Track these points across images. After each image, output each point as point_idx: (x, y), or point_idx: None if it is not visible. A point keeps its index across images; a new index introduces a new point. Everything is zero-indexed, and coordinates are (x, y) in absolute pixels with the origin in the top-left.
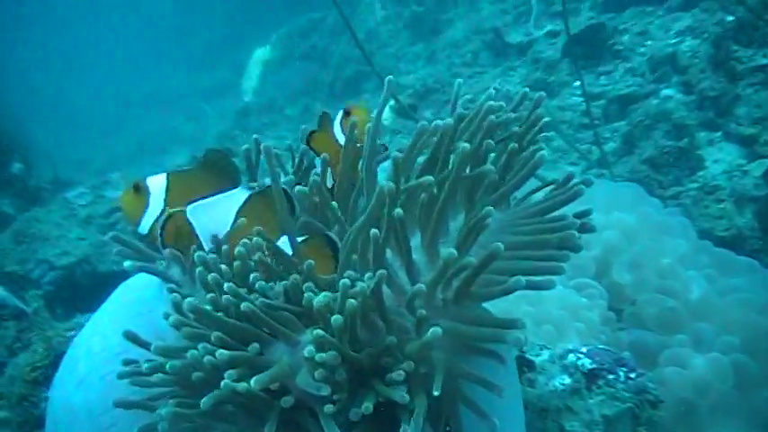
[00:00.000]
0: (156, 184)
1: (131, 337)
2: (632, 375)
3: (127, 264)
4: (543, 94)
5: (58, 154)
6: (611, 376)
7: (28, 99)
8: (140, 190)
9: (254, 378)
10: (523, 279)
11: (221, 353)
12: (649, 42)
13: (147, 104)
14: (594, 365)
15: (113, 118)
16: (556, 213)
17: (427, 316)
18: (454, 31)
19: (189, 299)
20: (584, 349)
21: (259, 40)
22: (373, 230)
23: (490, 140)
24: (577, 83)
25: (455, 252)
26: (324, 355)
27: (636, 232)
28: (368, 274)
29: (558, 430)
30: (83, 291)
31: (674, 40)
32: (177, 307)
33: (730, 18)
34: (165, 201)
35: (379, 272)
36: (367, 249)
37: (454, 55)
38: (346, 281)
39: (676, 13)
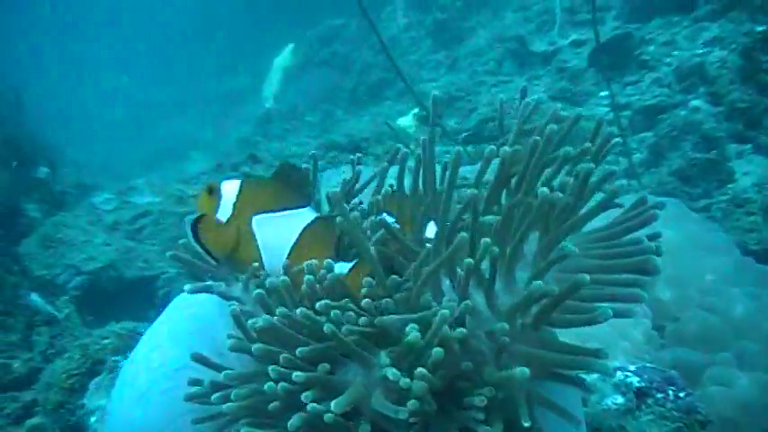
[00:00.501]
0: (230, 189)
1: (199, 359)
2: (681, 394)
3: (187, 287)
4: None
5: (81, 158)
6: (659, 395)
7: (52, 104)
8: (213, 192)
9: (334, 402)
10: (610, 311)
11: (298, 375)
12: (676, 52)
13: (168, 110)
14: (643, 384)
15: (135, 123)
16: (630, 237)
17: (507, 343)
18: (477, 39)
19: (264, 317)
20: (632, 367)
21: (280, 46)
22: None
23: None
24: (603, 92)
25: (542, 284)
26: (408, 381)
27: (679, 249)
28: (446, 299)
29: None
30: (109, 296)
31: (701, 51)
32: (242, 327)
33: (760, 28)
34: (234, 206)
35: (464, 303)
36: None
37: (477, 63)
38: (445, 311)
39: (703, 22)
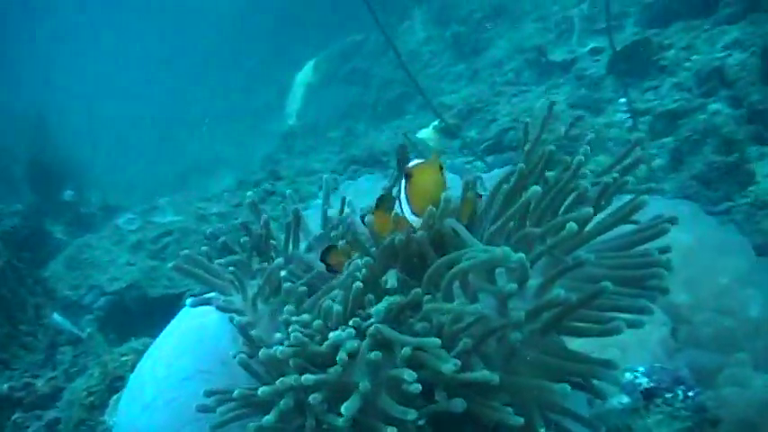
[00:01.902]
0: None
1: (211, 394)
2: (690, 394)
3: (188, 301)
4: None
5: (106, 179)
6: (669, 395)
7: (79, 126)
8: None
9: (344, 405)
10: (623, 324)
11: (307, 378)
12: (695, 57)
13: (191, 129)
14: (652, 384)
15: (158, 143)
16: (641, 249)
17: (518, 348)
18: (496, 51)
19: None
20: (641, 368)
21: (302, 62)
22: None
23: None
24: (623, 99)
25: (562, 292)
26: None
27: (692, 251)
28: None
29: None
30: (133, 315)
31: (720, 54)
32: (246, 336)
33: None
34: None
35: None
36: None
37: (497, 74)
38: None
39: (723, 26)
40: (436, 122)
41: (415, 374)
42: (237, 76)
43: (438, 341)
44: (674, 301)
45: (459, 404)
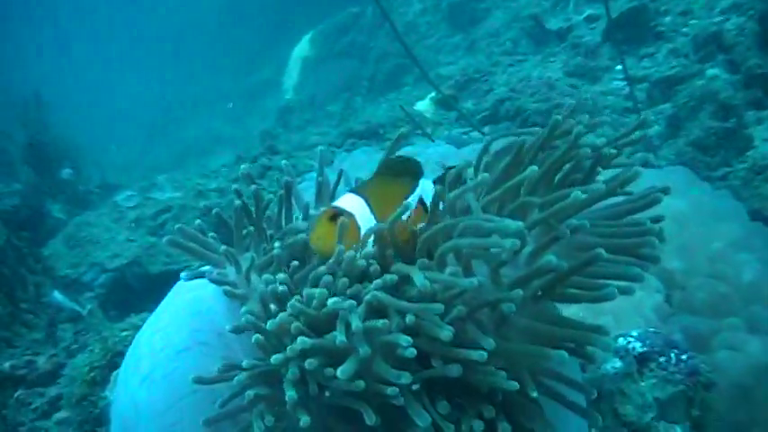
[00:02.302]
0: (355, 203)
1: (201, 381)
2: (684, 357)
3: (182, 275)
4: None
5: (104, 158)
6: (662, 359)
7: (74, 105)
8: (336, 217)
9: (341, 369)
10: (616, 290)
11: (303, 340)
12: (693, 22)
13: (190, 107)
14: (645, 348)
15: (157, 121)
16: (633, 218)
17: (509, 314)
18: (493, 20)
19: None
20: (634, 333)
21: (299, 36)
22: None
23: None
24: (619, 67)
25: (554, 258)
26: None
27: (686, 217)
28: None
29: (611, 414)
30: (134, 292)
31: (718, 19)
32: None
33: None
34: (373, 214)
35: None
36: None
37: (494, 44)
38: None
39: None
40: (433, 94)
41: (410, 339)
42: (235, 53)
43: (440, 306)
44: (668, 268)
45: (454, 369)
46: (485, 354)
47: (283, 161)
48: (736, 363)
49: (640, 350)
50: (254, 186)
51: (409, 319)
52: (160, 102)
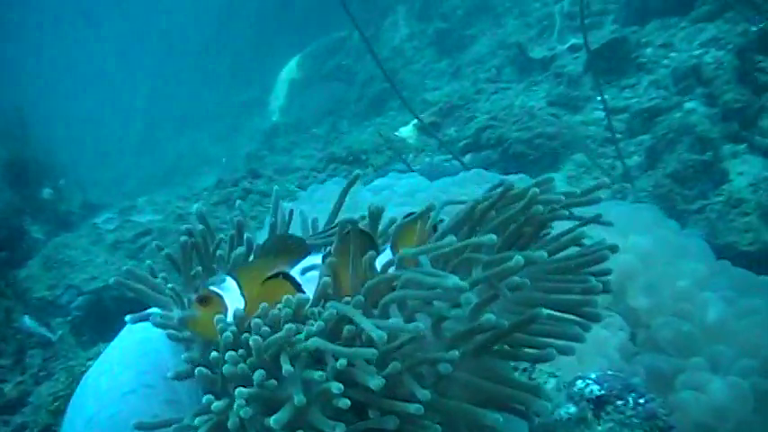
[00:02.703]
0: (226, 285)
1: (141, 427)
2: (641, 401)
3: (127, 318)
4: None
5: (90, 176)
6: (620, 402)
7: (58, 123)
8: (210, 299)
9: (273, 418)
10: (555, 351)
11: (241, 391)
12: (673, 54)
13: (176, 126)
14: (603, 392)
15: (143, 140)
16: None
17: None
18: (479, 47)
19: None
20: (593, 375)
21: (286, 58)
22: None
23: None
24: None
25: (492, 317)
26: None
27: (652, 256)
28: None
29: None
30: (111, 315)
31: (697, 52)
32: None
33: (754, 28)
34: (242, 295)
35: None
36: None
37: (479, 70)
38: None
39: (701, 23)
40: (416, 121)
41: (341, 386)
42: (222, 73)
43: (373, 351)
44: (634, 306)
45: (391, 422)
46: (421, 407)
47: (275, 186)
48: (698, 403)
49: (598, 393)
50: (201, 226)
51: (340, 363)
52: (146, 120)
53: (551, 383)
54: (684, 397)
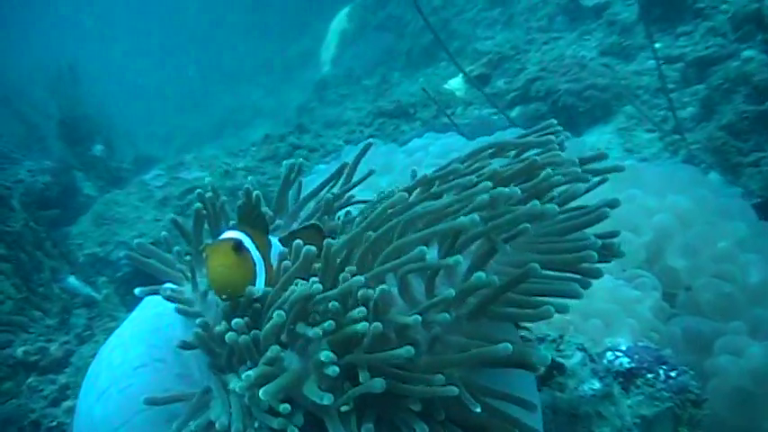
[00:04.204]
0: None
1: (152, 402)
2: (672, 374)
3: (136, 291)
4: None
5: (143, 132)
6: (650, 375)
7: (112, 80)
8: (241, 248)
9: (263, 389)
10: (552, 309)
11: (248, 375)
12: None
13: (229, 79)
14: (633, 364)
15: (196, 94)
16: (578, 234)
17: (440, 333)
18: None
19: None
20: (623, 347)
21: (337, 8)
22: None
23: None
24: (656, 44)
25: (483, 275)
26: (330, 354)
27: (691, 216)
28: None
29: None
30: None
31: None
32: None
33: None
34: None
35: (380, 288)
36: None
37: (531, 19)
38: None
39: None
40: (466, 70)
41: (330, 354)
42: (273, 25)
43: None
44: (673, 267)
45: (377, 384)
46: (411, 349)
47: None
48: (737, 368)
49: (628, 366)
50: (209, 194)
51: (333, 305)
52: (198, 74)
53: (576, 358)
54: (722, 362)
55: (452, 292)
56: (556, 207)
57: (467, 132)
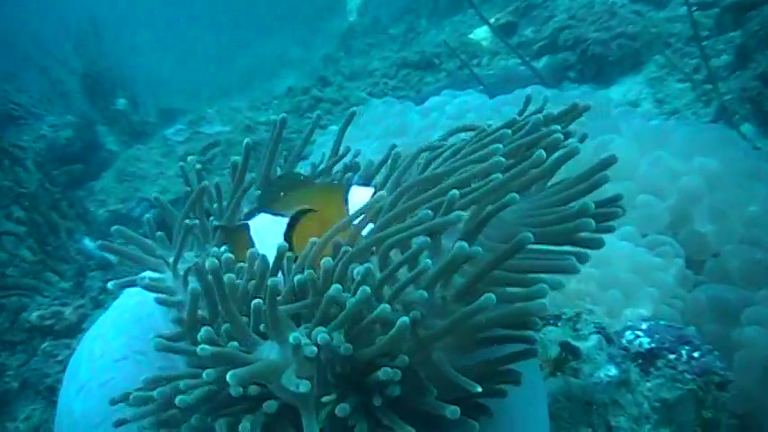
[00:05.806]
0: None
1: (123, 399)
2: (696, 354)
3: (110, 285)
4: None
5: (169, 85)
6: (672, 356)
7: (139, 31)
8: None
9: (230, 373)
10: (547, 287)
11: (203, 348)
12: None
13: (254, 30)
14: (654, 344)
15: (221, 45)
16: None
17: (419, 317)
18: None
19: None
20: (643, 325)
21: None
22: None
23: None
24: None
25: (466, 245)
26: (312, 345)
27: (719, 178)
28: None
29: (603, 426)
30: None
31: None
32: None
33: None
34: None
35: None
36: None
37: None
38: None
39: None
40: (492, 20)
41: (299, 336)
42: None
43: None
44: (700, 231)
45: (344, 347)
46: (368, 289)
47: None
48: (766, 339)
49: (648, 346)
50: (204, 183)
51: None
52: (224, 25)
53: (592, 341)
54: (750, 333)
55: (429, 262)
56: (543, 153)
57: (490, 85)
